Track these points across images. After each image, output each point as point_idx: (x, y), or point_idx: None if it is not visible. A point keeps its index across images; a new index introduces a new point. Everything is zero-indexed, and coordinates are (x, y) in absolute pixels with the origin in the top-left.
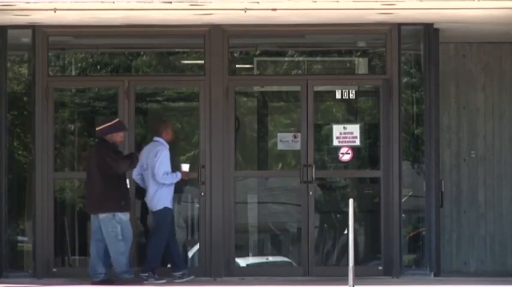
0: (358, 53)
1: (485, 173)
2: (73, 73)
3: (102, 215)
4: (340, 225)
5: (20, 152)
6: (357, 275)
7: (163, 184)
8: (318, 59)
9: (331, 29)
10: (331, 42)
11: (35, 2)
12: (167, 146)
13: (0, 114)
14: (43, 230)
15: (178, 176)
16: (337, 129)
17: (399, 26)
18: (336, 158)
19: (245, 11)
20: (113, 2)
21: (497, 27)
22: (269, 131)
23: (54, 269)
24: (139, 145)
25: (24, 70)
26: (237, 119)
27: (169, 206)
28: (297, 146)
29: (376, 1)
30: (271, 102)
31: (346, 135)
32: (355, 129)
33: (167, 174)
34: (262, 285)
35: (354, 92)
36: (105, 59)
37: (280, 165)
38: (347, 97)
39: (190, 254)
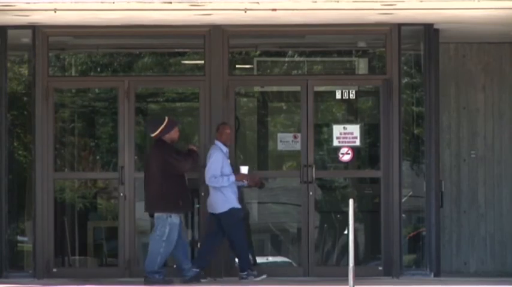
0: (358, 54)
1: (485, 173)
2: (73, 73)
3: (157, 214)
4: (340, 225)
5: (20, 152)
6: (357, 275)
7: (221, 187)
8: (318, 59)
9: (331, 29)
10: (331, 43)
11: (35, 3)
12: (222, 149)
13: (0, 114)
14: (43, 230)
15: (231, 179)
16: (337, 129)
17: (399, 26)
18: (336, 158)
19: (245, 11)
20: (113, 3)
21: (497, 27)
22: (269, 131)
23: (54, 270)
24: (139, 146)
25: (24, 70)
26: (237, 120)
27: (236, 205)
28: (297, 146)
29: (376, 1)
30: (271, 103)
31: (346, 136)
32: (355, 129)
33: (215, 177)
34: (262, 285)
35: (354, 92)
36: (105, 59)
37: (280, 165)
38: (347, 97)
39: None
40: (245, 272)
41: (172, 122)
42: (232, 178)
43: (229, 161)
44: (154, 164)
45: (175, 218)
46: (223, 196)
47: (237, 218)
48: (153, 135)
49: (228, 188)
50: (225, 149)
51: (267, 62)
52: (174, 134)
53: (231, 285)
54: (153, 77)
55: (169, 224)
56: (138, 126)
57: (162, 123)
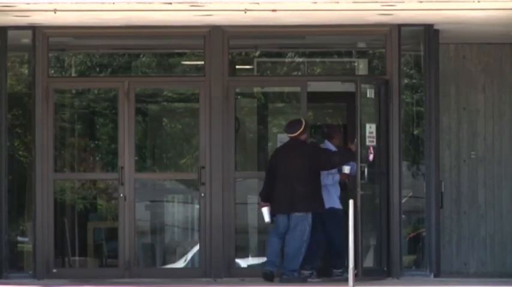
0: (358, 54)
1: (485, 174)
2: (73, 74)
3: (298, 214)
4: None
5: (20, 152)
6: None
7: (326, 184)
8: (318, 60)
9: (331, 30)
10: (331, 43)
11: (35, 3)
12: (331, 149)
13: (0, 114)
14: (43, 231)
15: (335, 178)
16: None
17: (399, 27)
18: None
19: (245, 12)
20: (113, 3)
21: (497, 28)
22: (269, 132)
23: (54, 270)
24: (139, 147)
25: (24, 71)
26: (237, 120)
27: (336, 206)
28: None
29: (376, 2)
30: (271, 103)
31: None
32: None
33: (327, 174)
34: (262, 286)
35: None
36: (105, 60)
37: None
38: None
39: (191, 255)
40: (340, 269)
41: (308, 124)
42: (337, 176)
43: None
44: (299, 163)
45: (310, 218)
46: (327, 194)
47: (333, 217)
48: (293, 135)
49: (332, 187)
50: (333, 149)
51: (267, 63)
52: (306, 135)
53: (231, 286)
54: (153, 77)
55: (308, 224)
56: (139, 124)
57: (302, 125)
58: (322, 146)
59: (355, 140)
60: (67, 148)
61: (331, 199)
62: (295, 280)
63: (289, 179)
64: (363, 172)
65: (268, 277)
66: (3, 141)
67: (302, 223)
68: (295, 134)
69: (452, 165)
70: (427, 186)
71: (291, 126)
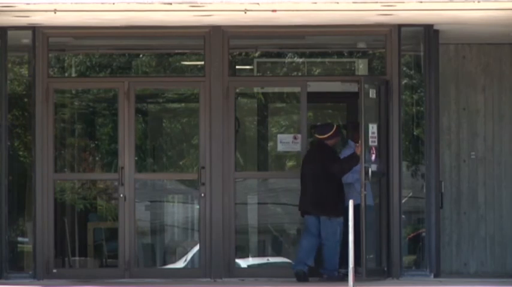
0: (358, 54)
1: (485, 174)
2: (73, 74)
3: (324, 217)
4: None
5: (20, 153)
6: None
7: (351, 183)
8: (318, 60)
9: (331, 30)
10: (331, 44)
11: (35, 3)
12: (351, 147)
13: (0, 115)
14: (43, 231)
15: (354, 176)
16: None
17: (399, 27)
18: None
19: (245, 12)
20: (113, 3)
21: (497, 28)
22: (269, 132)
23: (55, 270)
24: (139, 147)
25: (24, 71)
26: (237, 120)
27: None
28: (297, 147)
29: (376, 2)
30: (271, 103)
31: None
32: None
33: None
34: (263, 286)
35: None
36: (105, 60)
37: (280, 166)
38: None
39: (191, 255)
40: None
41: (340, 132)
42: (357, 175)
43: None
44: (313, 166)
45: (340, 218)
46: (355, 192)
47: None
48: (320, 137)
49: (358, 184)
50: (352, 147)
51: (267, 63)
52: (335, 141)
53: (231, 286)
54: (153, 78)
55: (338, 225)
56: (139, 124)
57: (332, 129)
58: (346, 146)
59: (359, 141)
60: (67, 148)
61: (359, 196)
62: (337, 278)
63: (307, 181)
64: (367, 172)
65: (301, 278)
66: (3, 141)
67: (331, 224)
68: (323, 136)
69: (452, 165)
70: (427, 186)
71: (321, 127)
